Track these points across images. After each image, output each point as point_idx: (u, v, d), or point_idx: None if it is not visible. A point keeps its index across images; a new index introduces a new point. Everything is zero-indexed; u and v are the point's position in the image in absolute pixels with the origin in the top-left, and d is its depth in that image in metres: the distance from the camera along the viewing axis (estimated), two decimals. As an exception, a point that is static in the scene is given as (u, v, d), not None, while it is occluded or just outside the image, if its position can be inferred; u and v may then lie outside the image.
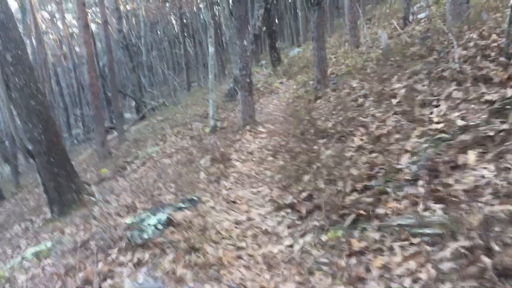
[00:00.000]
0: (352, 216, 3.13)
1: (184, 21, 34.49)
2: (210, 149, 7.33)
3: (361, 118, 5.12)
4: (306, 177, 4.42)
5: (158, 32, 40.39)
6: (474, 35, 5.43)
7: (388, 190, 3.21)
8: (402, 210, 2.96)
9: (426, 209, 2.84)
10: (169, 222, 4.16)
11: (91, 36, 14.06)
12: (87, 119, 30.95)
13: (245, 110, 8.26)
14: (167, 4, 34.61)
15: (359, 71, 8.42)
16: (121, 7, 31.38)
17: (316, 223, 3.51)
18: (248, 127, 7.91)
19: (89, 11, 30.20)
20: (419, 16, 11.06)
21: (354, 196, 3.44)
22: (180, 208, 4.46)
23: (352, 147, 4.54)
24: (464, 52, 4.93)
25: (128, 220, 4.88)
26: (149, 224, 4.19)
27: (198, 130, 10.53)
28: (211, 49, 9.28)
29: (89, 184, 9.39)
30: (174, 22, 41.73)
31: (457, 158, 3.14)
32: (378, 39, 11.50)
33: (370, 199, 3.20)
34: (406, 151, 3.62)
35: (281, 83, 13.82)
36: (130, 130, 19.48)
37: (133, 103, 26.11)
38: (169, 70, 36.32)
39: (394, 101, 5.05)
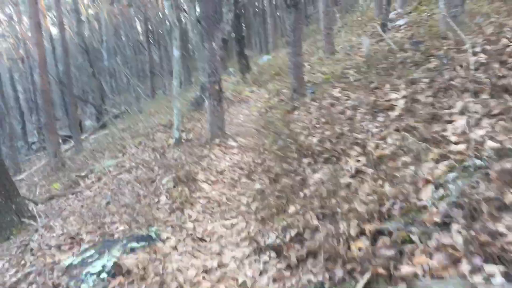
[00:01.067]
0: (367, 276, 2.27)
1: (150, 27, 33.35)
2: (173, 166, 6.38)
3: (353, 134, 4.30)
4: (291, 208, 3.55)
5: (123, 38, 38.89)
6: (479, 40, 4.74)
7: (413, 237, 2.37)
8: (438, 270, 2.12)
9: (474, 270, 2.02)
10: (116, 270, 3.20)
11: (42, 36, 12.79)
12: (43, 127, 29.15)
13: (213, 121, 7.35)
14: (132, 9, 33.34)
15: (338, 79, 7.66)
16: (83, 11, 29.96)
17: (312, 277, 2.64)
18: (217, 141, 7.00)
19: (50, 14, 28.69)
20: (398, 23, 10.50)
21: (363, 242, 2.59)
22: (132, 249, 3.50)
23: (348, 170, 3.70)
24: (474, 58, 4.21)
25: (68, 260, 3.89)
26: (90, 273, 3.21)
27: (162, 142, 9.55)
28: (176, 53, 8.31)
29: (36, 202, 8.25)
30: (139, 27, 40.36)
31: (503, 195, 2.34)
32: (355, 46, 10.86)
33: (389, 251, 2.35)
34: (427, 181, 2.79)
35: (251, 91, 12.98)
36: (89, 139, 18.23)
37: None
38: (133, 76, 34.90)
39: (392, 114, 4.25)
